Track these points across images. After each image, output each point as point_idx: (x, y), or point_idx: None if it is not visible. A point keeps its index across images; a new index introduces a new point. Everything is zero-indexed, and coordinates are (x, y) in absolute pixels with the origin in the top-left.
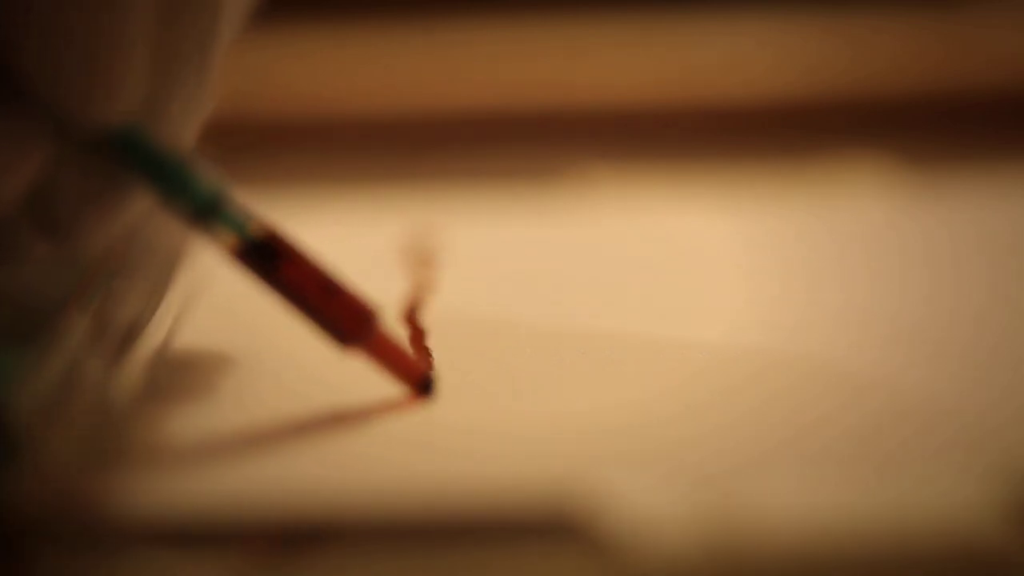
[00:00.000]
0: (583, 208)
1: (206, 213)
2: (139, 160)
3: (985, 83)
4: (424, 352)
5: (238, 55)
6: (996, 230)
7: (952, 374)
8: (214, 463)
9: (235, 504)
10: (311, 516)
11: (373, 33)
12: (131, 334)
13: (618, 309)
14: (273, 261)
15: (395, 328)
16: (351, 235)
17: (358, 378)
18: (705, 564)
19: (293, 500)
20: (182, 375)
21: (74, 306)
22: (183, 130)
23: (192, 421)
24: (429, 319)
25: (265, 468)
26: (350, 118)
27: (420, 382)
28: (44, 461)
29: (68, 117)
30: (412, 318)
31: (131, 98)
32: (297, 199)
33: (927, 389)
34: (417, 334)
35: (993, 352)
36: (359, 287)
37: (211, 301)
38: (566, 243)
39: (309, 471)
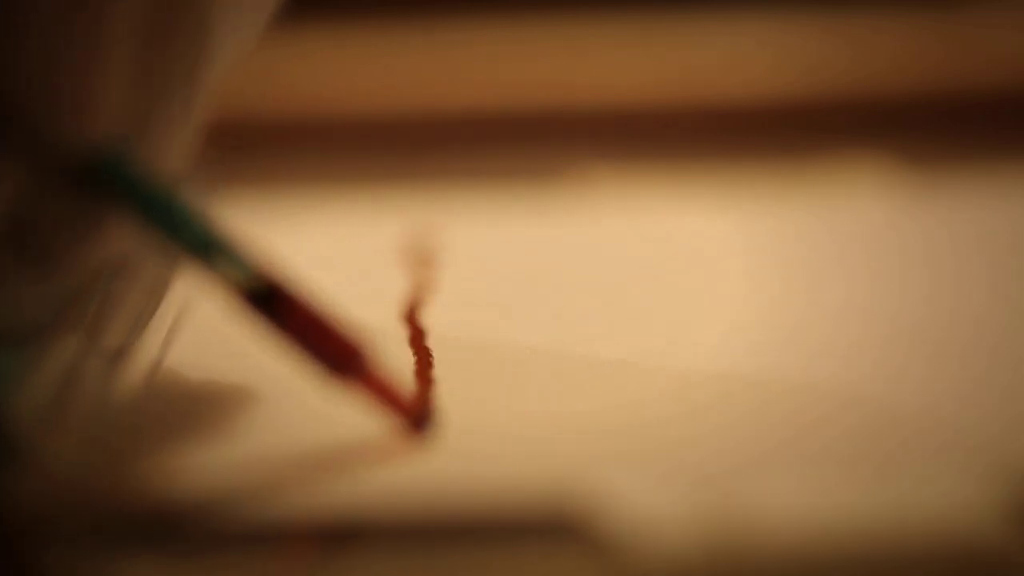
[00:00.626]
0: (583, 208)
1: (206, 255)
2: (126, 191)
3: (985, 83)
4: (424, 354)
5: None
6: (996, 230)
7: (952, 374)
8: (214, 462)
9: (235, 504)
10: (311, 516)
11: (373, 33)
12: (131, 332)
13: (618, 309)
14: (273, 306)
15: (389, 360)
16: (351, 235)
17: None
18: (705, 564)
19: (294, 500)
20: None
21: (73, 307)
22: (167, 158)
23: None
24: (429, 319)
25: (265, 468)
26: (350, 118)
27: (417, 417)
28: (44, 461)
29: (47, 143)
30: (412, 318)
31: (113, 124)
32: (297, 199)
33: (927, 389)
34: (417, 334)
35: (993, 352)
36: (349, 323)
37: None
38: (566, 243)
39: (310, 471)
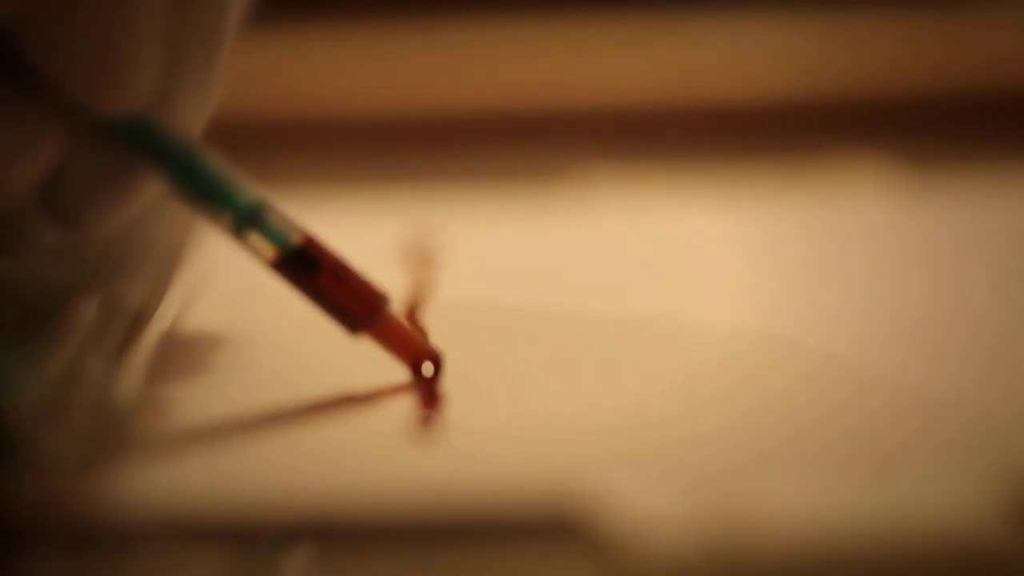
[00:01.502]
0: (583, 208)
1: (241, 218)
2: (161, 156)
3: (985, 83)
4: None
5: (238, 55)
6: (996, 230)
7: (952, 374)
8: (215, 461)
9: (235, 503)
10: (311, 516)
11: (373, 33)
12: (133, 331)
13: (618, 309)
14: (310, 270)
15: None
16: (351, 235)
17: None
18: (705, 564)
19: (293, 500)
20: (184, 369)
21: (76, 303)
22: (192, 120)
23: (194, 414)
24: (429, 319)
25: (265, 468)
26: (350, 118)
27: (428, 361)
28: (44, 460)
29: (82, 105)
30: (412, 318)
31: (144, 88)
32: (297, 199)
33: (927, 389)
34: (417, 334)
35: (993, 352)
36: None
37: (213, 295)
38: (566, 243)
39: (310, 471)
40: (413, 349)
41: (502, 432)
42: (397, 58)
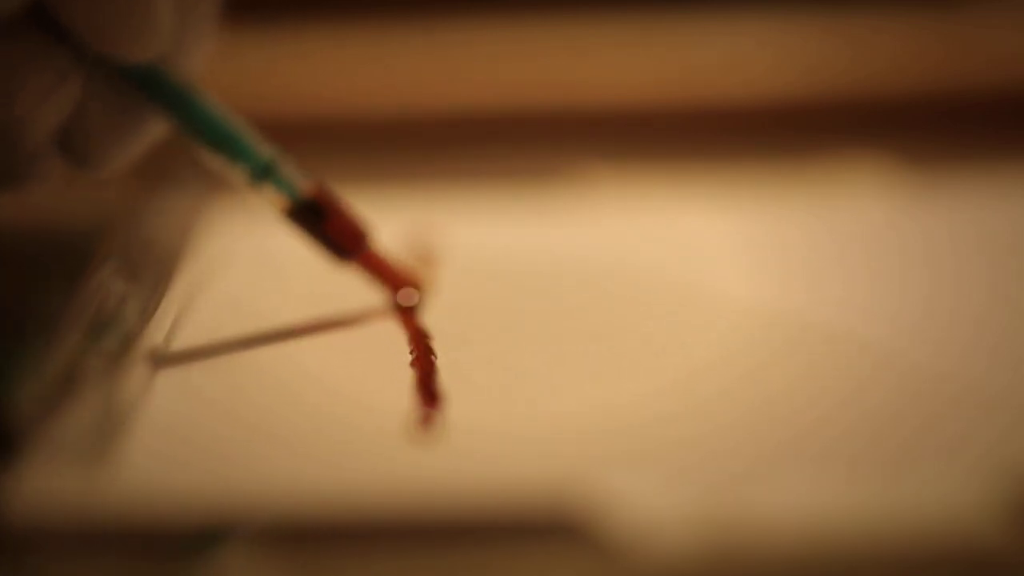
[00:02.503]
0: (583, 208)
1: (256, 169)
2: (181, 106)
3: (985, 83)
4: (426, 353)
5: (238, 55)
6: (996, 230)
7: (952, 374)
8: (216, 461)
9: (235, 503)
10: (312, 516)
11: (373, 33)
12: (132, 333)
13: (618, 309)
14: (317, 216)
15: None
16: None
17: (358, 385)
18: (706, 564)
19: (294, 500)
20: (181, 372)
21: (75, 306)
22: (197, 67)
23: (192, 415)
24: (429, 319)
25: (265, 467)
26: (350, 118)
27: (411, 287)
28: (44, 461)
29: (103, 55)
30: (412, 318)
31: (163, 38)
32: None
33: (927, 389)
34: (417, 334)
35: (993, 352)
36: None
37: (211, 299)
38: (566, 243)
39: (310, 471)
40: (396, 275)
41: (502, 432)
42: (397, 58)
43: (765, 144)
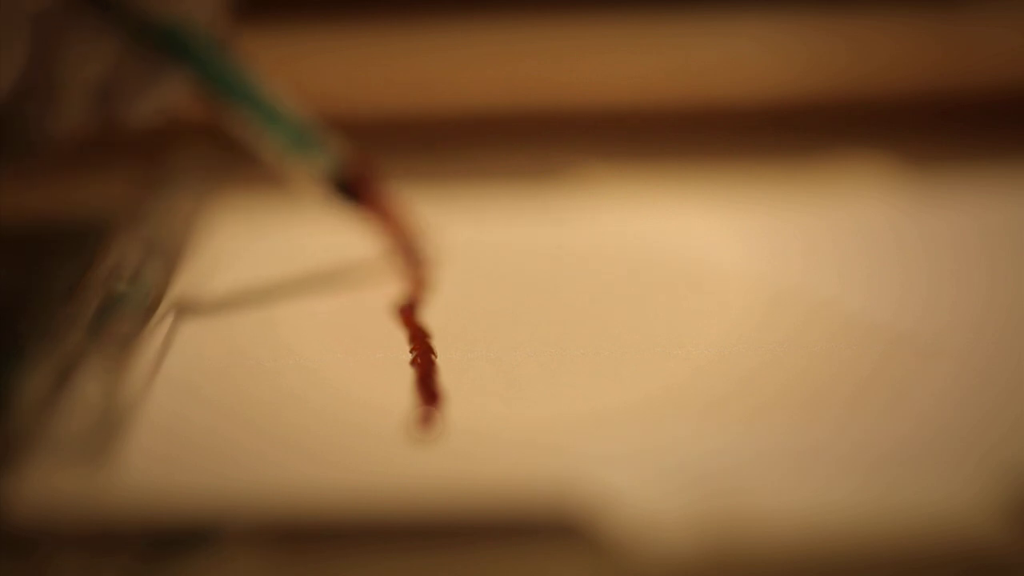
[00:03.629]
0: (583, 208)
1: (297, 141)
2: (219, 76)
3: (985, 83)
4: (426, 352)
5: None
6: (996, 230)
7: (952, 374)
8: (214, 462)
9: (235, 504)
10: (311, 515)
11: (373, 33)
12: (132, 334)
13: (618, 309)
14: (345, 187)
15: (389, 359)
16: (352, 234)
17: (358, 384)
18: (705, 564)
19: (293, 500)
20: (181, 374)
21: (75, 307)
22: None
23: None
24: (429, 319)
25: (265, 467)
26: (351, 118)
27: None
28: (43, 461)
29: (141, 16)
30: (412, 317)
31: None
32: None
33: (927, 389)
34: (417, 333)
35: (993, 352)
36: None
37: (211, 298)
38: (566, 243)
39: (310, 470)
40: (395, 221)
41: (502, 431)
42: (398, 58)
43: (765, 144)
